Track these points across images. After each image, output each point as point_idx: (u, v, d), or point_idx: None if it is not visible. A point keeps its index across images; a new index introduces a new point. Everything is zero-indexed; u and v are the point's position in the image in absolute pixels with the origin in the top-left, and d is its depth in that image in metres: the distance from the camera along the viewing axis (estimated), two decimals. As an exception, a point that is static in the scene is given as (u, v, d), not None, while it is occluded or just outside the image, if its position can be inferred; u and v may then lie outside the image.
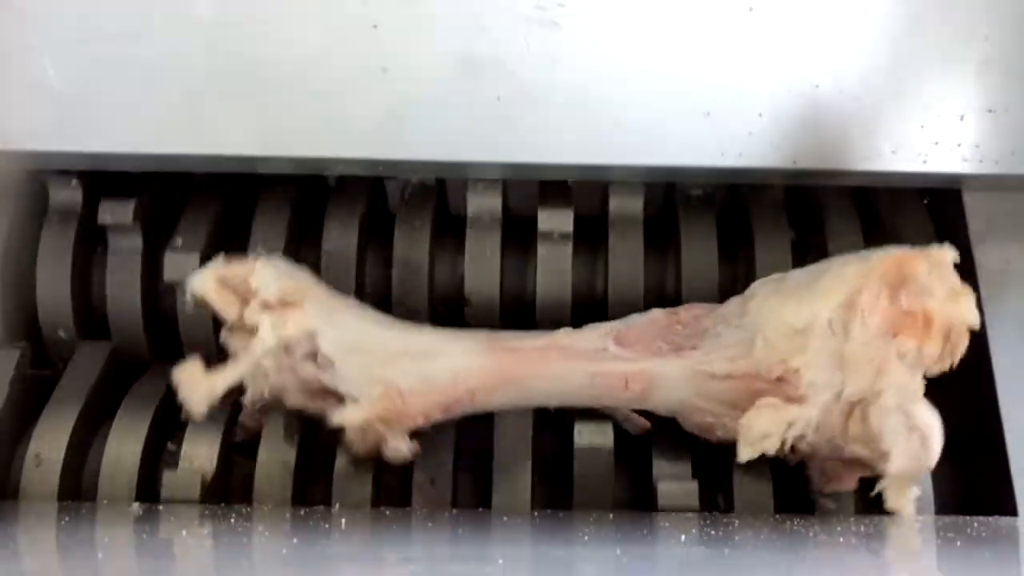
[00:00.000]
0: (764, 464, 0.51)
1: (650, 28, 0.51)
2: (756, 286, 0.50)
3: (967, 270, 0.55)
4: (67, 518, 0.47)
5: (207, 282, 0.49)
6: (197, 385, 0.48)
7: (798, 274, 0.50)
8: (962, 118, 0.52)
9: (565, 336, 0.51)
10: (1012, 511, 0.50)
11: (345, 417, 0.48)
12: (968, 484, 0.53)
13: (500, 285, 0.56)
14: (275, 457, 0.51)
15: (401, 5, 0.51)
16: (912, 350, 0.47)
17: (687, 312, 0.51)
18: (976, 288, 0.54)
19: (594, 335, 0.50)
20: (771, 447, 0.48)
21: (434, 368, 0.49)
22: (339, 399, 0.49)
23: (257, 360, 0.48)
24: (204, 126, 0.52)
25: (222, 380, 0.48)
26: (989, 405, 0.52)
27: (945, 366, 0.48)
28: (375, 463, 0.51)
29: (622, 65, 0.51)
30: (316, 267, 0.55)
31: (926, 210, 0.57)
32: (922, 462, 0.47)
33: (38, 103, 0.51)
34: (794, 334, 0.47)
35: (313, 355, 0.49)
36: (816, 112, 0.52)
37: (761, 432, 0.47)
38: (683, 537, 0.44)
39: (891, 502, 0.48)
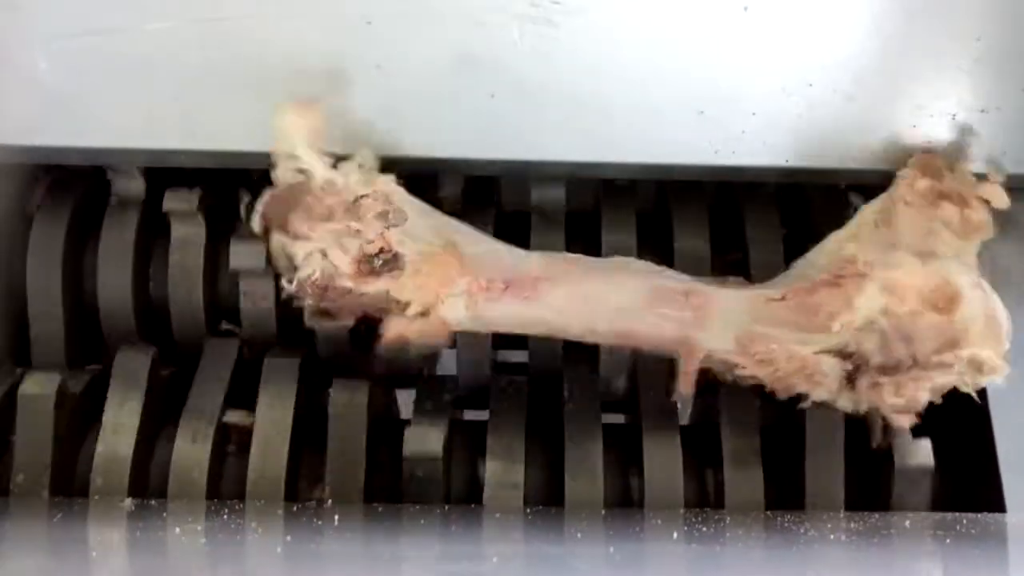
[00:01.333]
0: (755, 457, 0.51)
1: (645, 26, 0.51)
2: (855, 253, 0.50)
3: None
4: (59, 514, 0.47)
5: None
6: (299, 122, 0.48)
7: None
8: (954, 117, 0.52)
9: (629, 260, 0.52)
10: (1000, 507, 0.51)
11: (409, 257, 0.48)
12: (957, 481, 0.54)
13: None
14: (268, 451, 0.51)
15: (396, 1, 0.51)
16: (955, 216, 0.48)
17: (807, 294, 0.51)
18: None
19: (655, 265, 0.52)
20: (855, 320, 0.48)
21: (499, 247, 0.50)
22: (389, 305, 0.48)
23: (329, 179, 0.48)
24: (197, 121, 0.52)
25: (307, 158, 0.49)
26: (977, 402, 0.52)
27: (989, 235, 0.49)
28: (366, 458, 0.51)
29: (616, 63, 0.51)
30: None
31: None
32: (999, 338, 0.48)
33: (30, 97, 0.51)
34: (844, 240, 0.50)
35: (384, 215, 0.49)
36: (809, 111, 0.52)
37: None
38: (675, 534, 0.45)
39: (981, 377, 0.48)
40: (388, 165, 0.54)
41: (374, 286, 0.48)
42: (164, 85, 0.51)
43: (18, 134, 0.52)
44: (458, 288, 0.49)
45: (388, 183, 0.50)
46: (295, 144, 0.49)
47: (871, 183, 0.55)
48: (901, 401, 0.48)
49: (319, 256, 0.48)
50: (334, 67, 0.51)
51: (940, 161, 0.51)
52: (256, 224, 0.51)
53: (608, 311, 0.50)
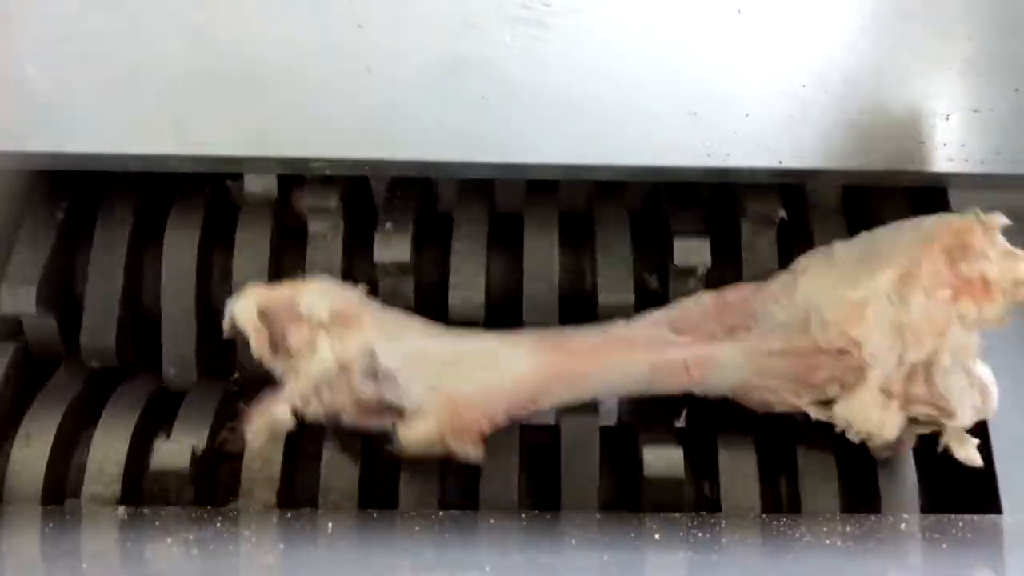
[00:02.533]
0: (751, 459, 0.51)
1: (637, 28, 0.51)
2: (804, 261, 0.52)
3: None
4: (51, 523, 0.46)
5: (247, 313, 0.49)
6: (259, 418, 0.49)
7: (846, 248, 0.51)
8: (947, 118, 0.52)
9: (620, 328, 0.51)
10: (996, 509, 0.51)
11: (411, 433, 0.48)
12: (952, 483, 0.53)
13: (487, 283, 0.56)
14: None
15: (386, 4, 0.50)
16: (973, 312, 0.48)
17: (734, 293, 0.52)
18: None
19: (649, 325, 0.51)
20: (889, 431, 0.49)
21: (493, 374, 0.49)
22: (399, 414, 0.49)
23: (316, 382, 0.48)
24: (187, 126, 0.51)
25: (281, 410, 0.48)
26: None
27: (1005, 324, 0.49)
28: (360, 463, 0.51)
29: (609, 65, 0.51)
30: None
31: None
32: (984, 414, 0.49)
33: (19, 103, 0.51)
34: (852, 307, 0.48)
35: (373, 372, 0.49)
36: (802, 112, 0.52)
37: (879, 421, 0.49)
38: (670, 540, 0.44)
39: (960, 454, 0.49)
40: (379, 168, 0.54)
41: (379, 420, 0.49)
42: (154, 90, 0.51)
43: (7, 140, 0.51)
44: (465, 438, 0.49)
45: (362, 338, 0.49)
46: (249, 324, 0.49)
47: (865, 184, 0.55)
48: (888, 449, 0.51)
49: (315, 400, 0.49)
50: (325, 69, 0.51)
51: (970, 239, 0.49)
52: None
53: (611, 394, 0.52)
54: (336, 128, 0.52)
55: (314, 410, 0.49)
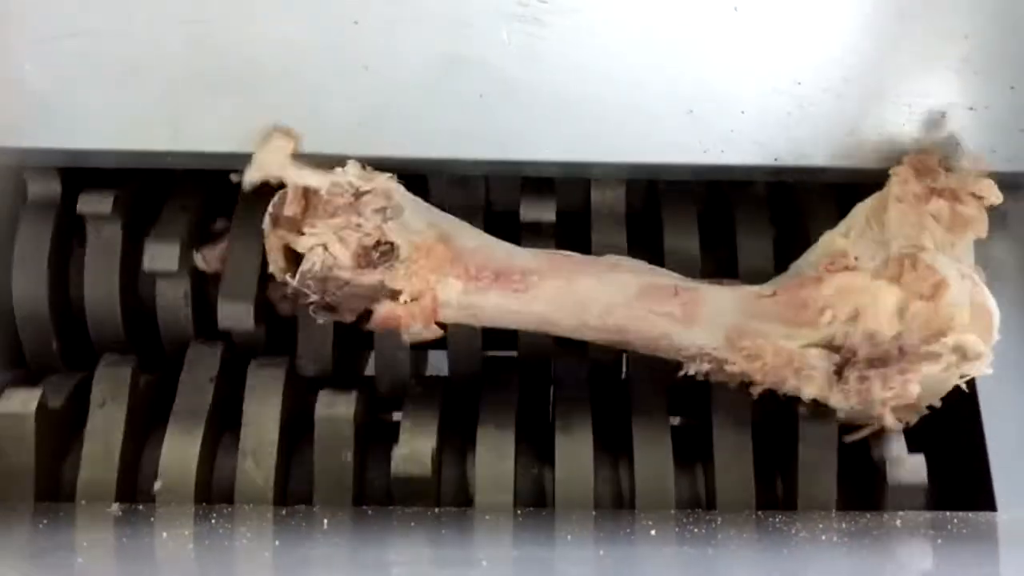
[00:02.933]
0: (746, 455, 0.51)
1: (634, 26, 0.51)
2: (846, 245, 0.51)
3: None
4: (45, 520, 0.46)
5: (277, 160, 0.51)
6: (277, 155, 0.50)
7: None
8: (944, 115, 0.52)
9: (624, 260, 0.52)
10: (991, 506, 0.51)
11: (401, 240, 0.50)
12: (947, 479, 0.54)
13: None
14: (258, 455, 0.51)
15: (383, 2, 0.50)
16: (945, 210, 0.49)
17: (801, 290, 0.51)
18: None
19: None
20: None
21: (493, 242, 0.51)
22: (386, 294, 0.50)
23: (335, 180, 0.51)
24: (184, 123, 0.51)
25: (301, 176, 0.50)
26: (968, 399, 0.52)
27: (981, 230, 0.50)
28: (356, 462, 0.51)
29: (605, 62, 0.51)
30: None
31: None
32: (987, 327, 0.48)
33: (16, 99, 0.51)
34: (833, 240, 0.50)
35: (382, 209, 0.50)
36: (799, 110, 0.52)
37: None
38: (664, 535, 0.45)
39: (967, 365, 0.48)
40: (376, 165, 0.54)
41: (371, 277, 0.50)
42: (150, 87, 0.51)
43: (6, 136, 0.51)
44: (449, 276, 0.50)
45: (388, 180, 0.51)
46: (285, 168, 0.51)
47: (860, 181, 0.55)
48: (890, 394, 0.48)
49: (321, 250, 0.50)
50: (322, 67, 0.51)
51: (933, 160, 0.51)
52: (265, 224, 0.51)
53: (598, 306, 0.50)
54: (333, 125, 0.52)
55: (313, 259, 0.50)
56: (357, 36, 0.51)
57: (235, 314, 0.53)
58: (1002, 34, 0.52)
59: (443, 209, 0.57)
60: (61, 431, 0.52)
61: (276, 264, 0.52)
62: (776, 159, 0.53)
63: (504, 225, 0.57)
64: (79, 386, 0.53)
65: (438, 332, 0.51)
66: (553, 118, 0.52)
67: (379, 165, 0.54)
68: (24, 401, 0.50)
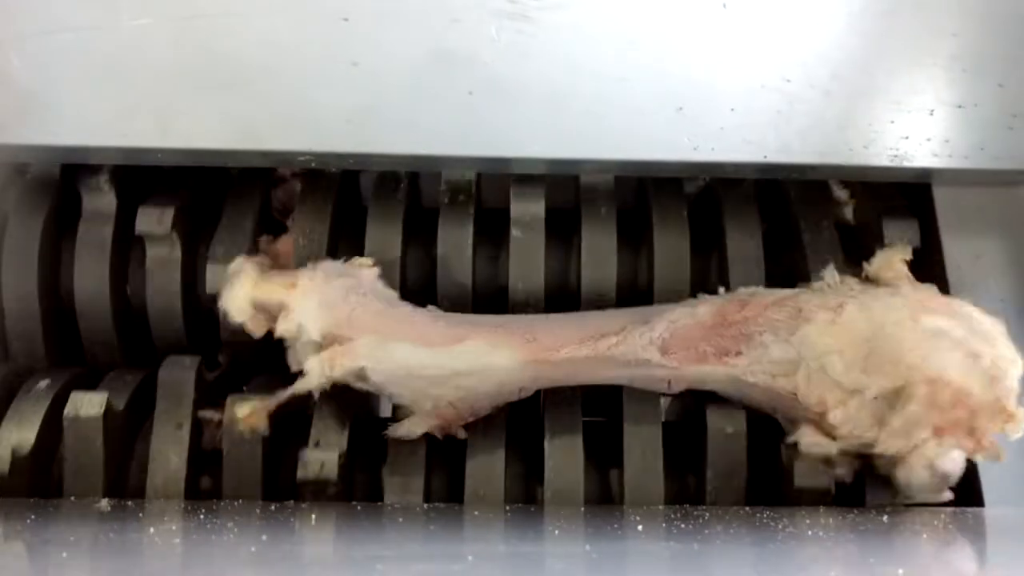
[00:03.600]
0: (739, 450, 0.51)
1: (623, 23, 0.51)
2: (811, 305, 0.50)
3: (936, 264, 0.55)
4: (33, 515, 0.46)
5: (241, 306, 0.51)
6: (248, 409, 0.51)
7: (855, 316, 0.49)
8: (932, 113, 0.52)
9: (610, 340, 0.50)
10: (979, 502, 0.51)
11: (400, 430, 0.50)
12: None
13: (472, 276, 0.56)
14: (244, 451, 0.51)
15: (372, -2, 0.50)
16: (952, 444, 0.48)
17: (736, 310, 0.51)
18: (945, 281, 0.55)
19: (638, 343, 0.50)
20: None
21: (480, 382, 0.50)
22: None
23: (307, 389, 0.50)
24: (172, 119, 0.51)
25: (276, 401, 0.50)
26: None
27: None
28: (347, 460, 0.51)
29: (594, 59, 0.51)
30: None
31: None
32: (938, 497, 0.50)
33: (3, 95, 0.51)
34: (839, 391, 0.49)
35: (364, 377, 0.50)
36: (788, 106, 0.52)
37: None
38: (652, 531, 0.45)
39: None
40: (365, 162, 0.54)
41: None
42: (138, 83, 0.51)
43: (-10, 132, 0.51)
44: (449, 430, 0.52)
45: (351, 361, 0.50)
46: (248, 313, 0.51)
47: (849, 178, 0.56)
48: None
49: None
50: (311, 64, 0.51)
51: (968, 399, 0.48)
52: None
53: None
54: (322, 122, 0.52)
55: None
56: (346, 33, 0.51)
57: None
58: (991, 32, 0.52)
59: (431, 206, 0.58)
60: (126, 432, 0.52)
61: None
62: (765, 156, 0.53)
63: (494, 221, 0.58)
64: (141, 386, 0.53)
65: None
66: (542, 115, 0.52)
67: (368, 162, 0.54)
68: (92, 403, 0.50)
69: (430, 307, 0.53)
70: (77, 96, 0.51)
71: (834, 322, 0.49)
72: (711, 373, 0.50)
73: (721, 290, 0.53)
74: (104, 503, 0.48)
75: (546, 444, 0.51)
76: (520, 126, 0.52)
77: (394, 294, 0.53)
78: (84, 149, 0.52)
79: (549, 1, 0.51)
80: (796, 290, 0.52)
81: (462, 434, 0.51)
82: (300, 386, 0.50)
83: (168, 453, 0.50)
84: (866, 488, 0.51)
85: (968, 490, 0.51)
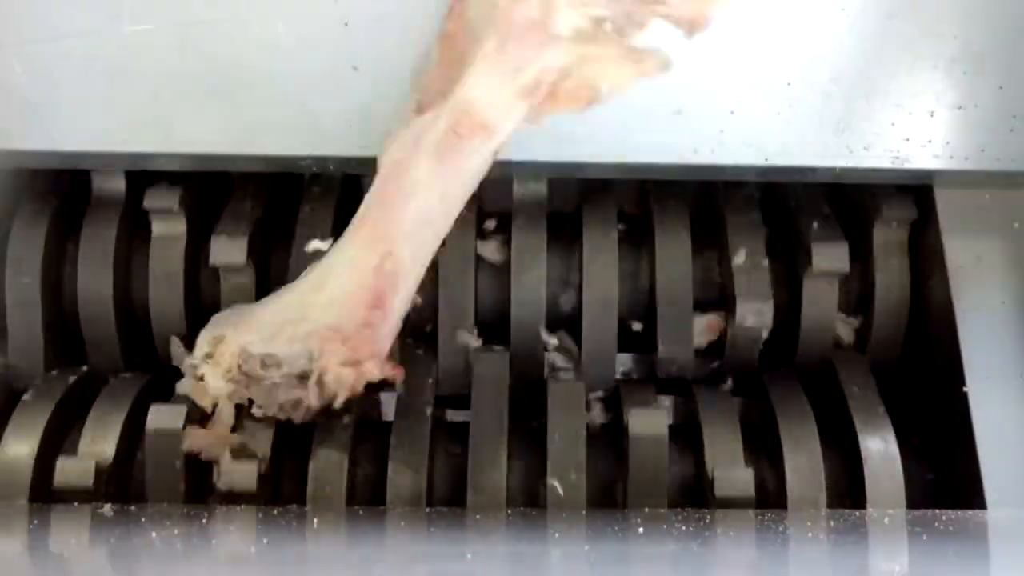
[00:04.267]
0: (738, 450, 0.51)
1: (622, 25, 0.51)
2: None
3: (937, 265, 0.55)
4: (35, 520, 0.46)
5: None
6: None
7: None
8: (932, 115, 0.52)
9: (387, 169, 0.49)
10: (981, 504, 0.51)
11: (313, 396, 0.49)
12: (938, 477, 0.54)
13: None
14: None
15: (371, 3, 0.51)
16: None
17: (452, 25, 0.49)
18: (946, 282, 0.55)
19: (404, 137, 0.49)
20: None
21: (330, 294, 0.49)
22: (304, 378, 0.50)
23: (223, 395, 0.50)
24: (174, 124, 0.52)
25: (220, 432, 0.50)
26: (959, 398, 0.52)
27: None
28: (350, 461, 0.51)
29: (594, 62, 0.51)
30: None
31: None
32: None
33: (6, 101, 0.51)
34: None
35: (260, 365, 0.49)
36: (788, 109, 0.52)
37: None
38: (653, 532, 0.45)
39: None
40: (366, 165, 0.54)
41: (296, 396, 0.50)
42: (141, 88, 0.51)
43: (-6, 137, 0.52)
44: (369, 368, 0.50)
45: (230, 349, 0.50)
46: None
47: (849, 181, 0.56)
48: None
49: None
50: (311, 68, 0.51)
51: None
52: None
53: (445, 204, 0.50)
54: (323, 126, 0.52)
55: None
56: (346, 37, 0.51)
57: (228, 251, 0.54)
58: (990, 34, 0.52)
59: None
60: None
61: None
62: (766, 159, 0.53)
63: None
64: None
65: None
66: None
67: (368, 165, 0.54)
68: (172, 417, 0.50)
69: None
70: (80, 102, 0.51)
71: None
72: (475, 77, 0.47)
73: None
74: (108, 508, 0.48)
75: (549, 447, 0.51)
76: (523, 129, 0.52)
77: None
78: (87, 155, 0.52)
79: (549, 5, 0.51)
80: None
81: (394, 372, 0.50)
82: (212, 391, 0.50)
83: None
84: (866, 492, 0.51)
85: (971, 493, 0.51)
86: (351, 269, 0.49)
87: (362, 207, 0.50)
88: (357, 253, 0.49)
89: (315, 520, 0.46)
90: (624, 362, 0.60)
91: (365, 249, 0.49)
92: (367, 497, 0.51)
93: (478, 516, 0.48)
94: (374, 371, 0.49)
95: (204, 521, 0.46)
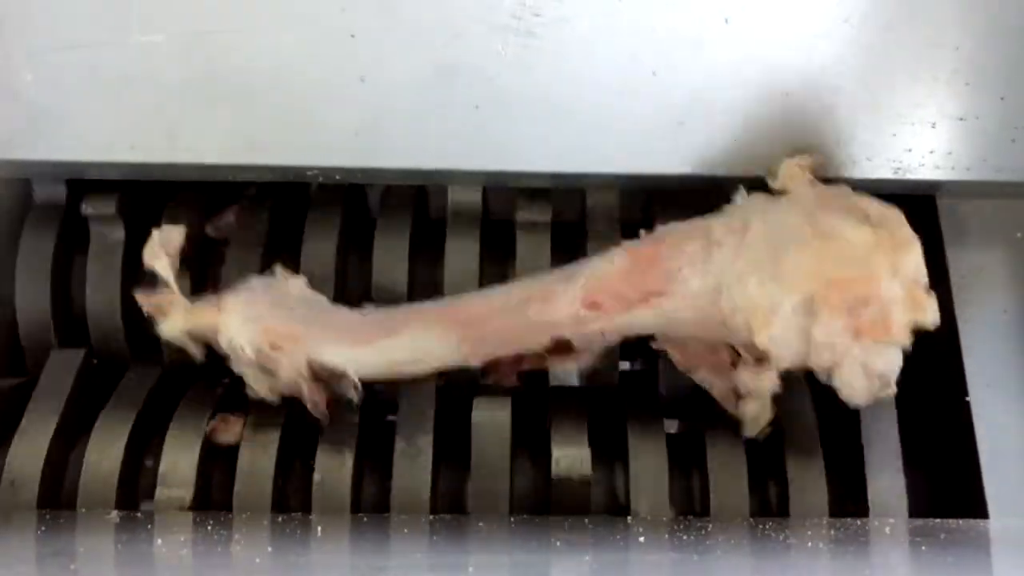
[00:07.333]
0: (740, 461, 0.51)
1: (625, 37, 0.51)
2: (718, 229, 0.49)
3: (940, 275, 0.55)
4: (44, 527, 0.47)
5: (176, 336, 0.51)
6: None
7: (760, 228, 0.49)
8: (934, 126, 0.53)
9: (536, 305, 0.50)
10: (983, 514, 0.51)
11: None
12: (939, 486, 0.54)
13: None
14: (254, 463, 0.51)
15: (378, 15, 0.51)
16: (871, 343, 0.47)
17: (649, 250, 0.50)
18: (948, 293, 0.55)
19: (562, 302, 0.50)
20: (765, 417, 0.50)
21: (418, 367, 0.50)
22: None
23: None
24: (181, 134, 0.52)
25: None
26: (961, 407, 0.53)
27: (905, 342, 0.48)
28: (355, 470, 0.51)
29: (597, 74, 0.52)
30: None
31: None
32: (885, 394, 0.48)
33: (14, 111, 0.51)
34: (759, 312, 0.48)
35: (318, 373, 0.51)
36: (790, 121, 0.52)
37: (754, 414, 0.50)
38: (654, 542, 0.45)
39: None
40: (372, 176, 0.54)
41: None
42: (148, 98, 0.52)
43: (2, 147, 0.52)
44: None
45: (295, 362, 0.51)
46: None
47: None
48: None
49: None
50: (318, 79, 0.52)
51: (873, 288, 0.47)
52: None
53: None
54: (329, 136, 0.52)
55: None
56: (353, 48, 0.51)
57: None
58: (992, 45, 0.52)
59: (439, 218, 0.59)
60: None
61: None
62: (767, 170, 0.53)
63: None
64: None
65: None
66: (546, 129, 0.52)
67: (375, 176, 0.55)
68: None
69: (365, 305, 0.53)
70: (87, 112, 0.52)
71: (742, 242, 0.48)
72: (640, 317, 0.49)
73: (643, 232, 0.53)
74: (114, 515, 0.49)
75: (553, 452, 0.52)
76: (524, 140, 0.53)
77: (323, 299, 0.53)
78: (94, 165, 0.53)
79: (553, 16, 0.51)
80: (706, 217, 0.51)
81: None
82: (255, 393, 0.51)
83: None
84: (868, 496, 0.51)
85: (972, 502, 0.51)
86: (427, 346, 0.50)
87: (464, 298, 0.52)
88: (447, 342, 0.51)
89: (319, 528, 0.47)
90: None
91: (451, 339, 0.51)
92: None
93: (481, 524, 0.48)
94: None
95: (209, 528, 0.46)
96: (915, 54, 0.52)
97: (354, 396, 0.51)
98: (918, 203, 0.57)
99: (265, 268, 0.56)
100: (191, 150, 0.52)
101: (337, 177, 0.55)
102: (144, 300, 0.52)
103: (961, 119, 0.52)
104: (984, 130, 0.52)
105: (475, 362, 0.51)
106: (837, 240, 0.47)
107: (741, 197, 0.51)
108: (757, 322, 0.48)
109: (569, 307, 0.50)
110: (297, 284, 0.53)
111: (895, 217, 0.48)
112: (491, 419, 0.51)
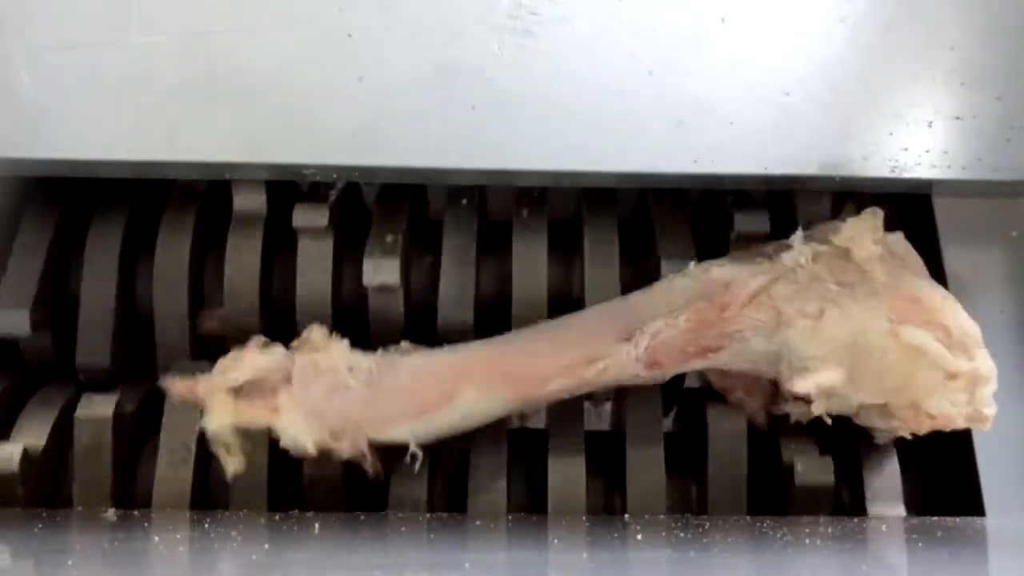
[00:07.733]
0: (741, 460, 0.51)
1: (624, 36, 0.52)
2: (792, 313, 0.50)
3: (936, 274, 0.56)
4: (39, 524, 0.47)
5: (224, 433, 0.50)
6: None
7: (835, 322, 0.49)
8: (930, 125, 0.53)
9: (590, 362, 0.50)
10: (980, 511, 0.51)
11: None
12: (936, 484, 0.54)
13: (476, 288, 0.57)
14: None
15: (376, 15, 0.51)
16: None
17: (715, 312, 0.51)
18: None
19: (624, 363, 0.50)
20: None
21: (475, 423, 0.51)
22: None
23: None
24: (180, 133, 0.52)
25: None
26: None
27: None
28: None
29: (595, 73, 0.52)
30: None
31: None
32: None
33: (13, 110, 0.52)
34: (825, 391, 0.50)
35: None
36: (787, 119, 0.52)
37: None
38: (651, 540, 0.45)
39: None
40: (370, 175, 0.54)
41: None
42: (147, 98, 0.52)
43: (1, 147, 0.52)
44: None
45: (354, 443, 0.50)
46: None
47: (848, 189, 0.56)
48: None
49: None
50: (316, 79, 0.52)
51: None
52: None
53: None
54: (327, 135, 0.52)
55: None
56: (351, 48, 0.52)
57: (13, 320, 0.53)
58: (989, 45, 0.52)
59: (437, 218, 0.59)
60: (135, 437, 0.53)
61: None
62: (766, 168, 0.53)
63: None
64: (151, 393, 0.54)
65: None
66: (544, 128, 0.52)
67: (373, 175, 0.55)
68: (101, 405, 0.50)
69: (403, 344, 0.52)
70: (87, 111, 0.52)
71: (815, 329, 0.49)
72: (694, 366, 0.51)
73: (691, 264, 0.53)
74: (111, 512, 0.49)
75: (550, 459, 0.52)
76: (523, 139, 0.53)
77: (369, 361, 0.51)
78: (93, 163, 0.53)
79: (551, 16, 0.51)
80: (768, 273, 0.51)
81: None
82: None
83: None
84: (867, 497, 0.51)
85: (969, 500, 0.51)
86: (496, 414, 0.51)
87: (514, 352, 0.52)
88: (505, 404, 0.51)
89: (316, 525, 0.47)
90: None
91: (513, 401, 0.51)
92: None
93: (478, 523, 0.48)
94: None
95: (206, 526, 0.46)
96: (912, 54, 0.52)
97: (418, 455, 0.50)
98: (914, 202, 0.57)
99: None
100: (191, 150, 0.52)
101: (334, 176, 0.55)
102: (178, 387, 0.50)
103: (957, 118, 0.53)
104: (980, 129, 0.53)
105: (528, 412, 0.53)
106: (921, 365, 0.49)
107: (799, 246, 0.52)
108: (820, 402, 0.50)
109: (632, 369, 0.51)
110: (341, 351, 0.51)
111: (974, 337, 0.50)
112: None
